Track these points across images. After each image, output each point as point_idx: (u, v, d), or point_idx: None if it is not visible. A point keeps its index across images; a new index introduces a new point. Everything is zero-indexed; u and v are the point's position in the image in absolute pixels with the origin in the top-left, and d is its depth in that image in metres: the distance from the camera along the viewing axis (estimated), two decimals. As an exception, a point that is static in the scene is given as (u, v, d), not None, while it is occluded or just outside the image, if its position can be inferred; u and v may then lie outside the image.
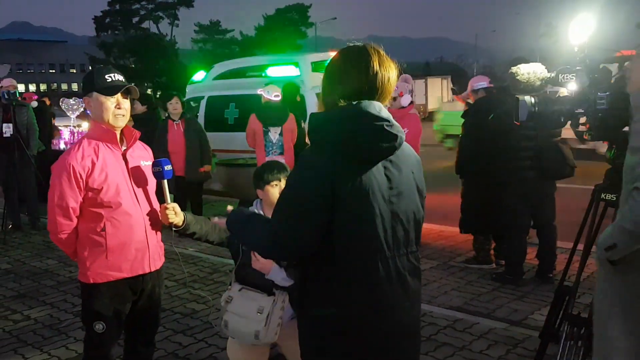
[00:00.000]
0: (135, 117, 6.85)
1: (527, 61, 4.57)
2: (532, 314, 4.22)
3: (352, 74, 1.78)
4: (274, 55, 9.62)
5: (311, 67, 8.31)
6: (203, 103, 9.09)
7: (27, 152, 7.08)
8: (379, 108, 1.76)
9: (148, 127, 6.91)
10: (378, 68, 1.77)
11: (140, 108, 7.08)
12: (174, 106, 6.55)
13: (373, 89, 1.77)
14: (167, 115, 6.73)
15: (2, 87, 7.16)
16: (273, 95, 6.40)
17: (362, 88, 1.77)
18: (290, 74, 8.14)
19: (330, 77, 1.85)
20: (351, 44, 1.84)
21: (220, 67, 9.74)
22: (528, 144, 4.65)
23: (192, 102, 9.24)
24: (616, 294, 2.12)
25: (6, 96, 6.89)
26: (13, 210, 7.35)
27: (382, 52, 1.80)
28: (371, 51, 1.78)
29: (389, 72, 1.79)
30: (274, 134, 6.26)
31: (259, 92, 6.76)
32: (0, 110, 6.98)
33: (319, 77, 8.68)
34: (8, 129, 6.90)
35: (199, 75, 9.75)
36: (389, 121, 1.75)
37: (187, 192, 6.72)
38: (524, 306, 4.39)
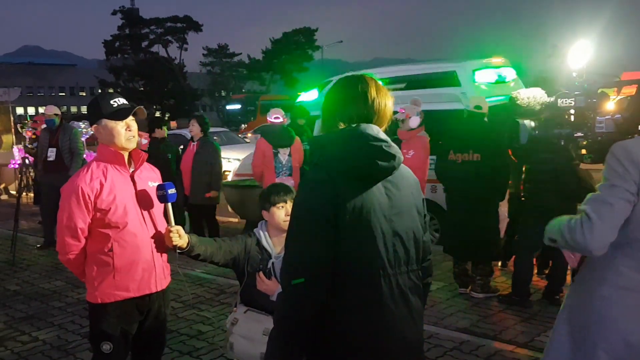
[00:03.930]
0: (159, 143, 6.96)
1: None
2: (539, 336, 4.20)
3: (351, 100, 1.89)
4: (420, 63, 7.88)
5: (473, 77, 6.71)
6: (318, 123, 7.72)
7: (68, 174, 7.23)
8: (377, 130, 1.86)
9: (171, 151, 7.11)
10: (375, 95, 1.88)
11: (162, 133, 7.12)
12: (190, 128, 6.88)
13: (371, 114, 1.88)
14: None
15: (44, 114, 7.69)
16: (273, 117, 6.48)
17: (361, 113, 1.87)
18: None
19: (330, 103, 1.95)
20: (349, 74, 1.97)
21: None
22: (546, 167, 4.57)
23: (298, 121, 8.03)
24: (569, 298, 2.30)
25: (48, 124, 7.50)
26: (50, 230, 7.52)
27: (377, 81, 1.93)
28: (368, 80, 1.91)
29: (386, 99, 1.91)
30: (283, 155, 6.36)
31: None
32: (47, 136, 7.55)
33: (484, 89, 6.99)
34: (52, 153, 7.46)
35: (311, 95, 8.61)
36: (387, 142, 1.83)
37: (201, 214, 6.82)
38: (530, 328, 4.37)
